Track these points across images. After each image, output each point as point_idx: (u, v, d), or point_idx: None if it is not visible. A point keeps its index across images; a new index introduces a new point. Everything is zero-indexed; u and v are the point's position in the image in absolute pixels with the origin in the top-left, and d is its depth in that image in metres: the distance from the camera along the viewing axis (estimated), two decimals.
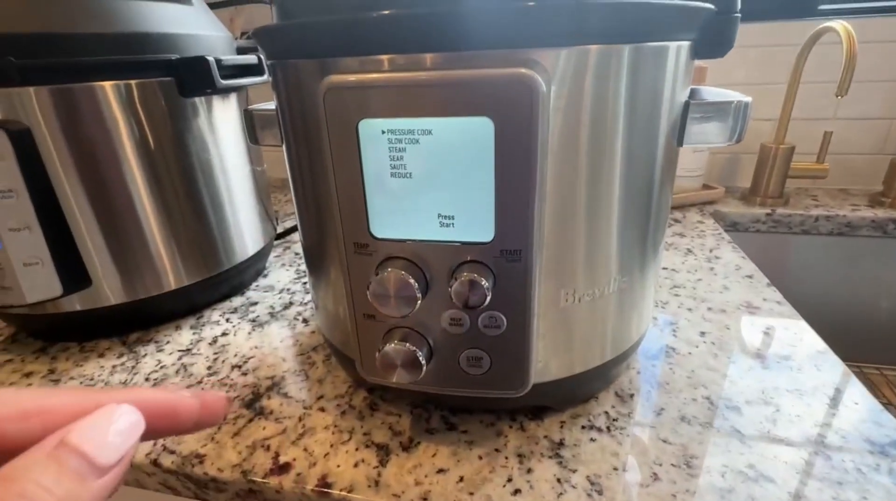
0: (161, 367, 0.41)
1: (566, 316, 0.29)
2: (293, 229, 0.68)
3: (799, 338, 0.41)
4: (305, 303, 0.50)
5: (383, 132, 0.23)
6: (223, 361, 0.41)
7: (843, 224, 0.71)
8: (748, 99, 0.28)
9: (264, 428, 0.33)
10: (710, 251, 0.59)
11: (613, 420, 0.33)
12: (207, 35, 0.45)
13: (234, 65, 0.44)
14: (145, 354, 0.43)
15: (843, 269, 0.76)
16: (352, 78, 0.22)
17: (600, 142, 0.25)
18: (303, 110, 0.28)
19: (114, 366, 0.41)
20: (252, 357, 0.42)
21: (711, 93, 0.30)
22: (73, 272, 0.40)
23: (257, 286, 0.55)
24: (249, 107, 0.35)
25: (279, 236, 0.68)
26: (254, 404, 0.36)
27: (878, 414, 0.32)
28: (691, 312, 0.46)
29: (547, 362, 0.30)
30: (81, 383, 0.39)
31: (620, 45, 0.23)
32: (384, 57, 0.23)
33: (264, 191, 0.56)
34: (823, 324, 0.78)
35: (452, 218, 0.24)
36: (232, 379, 0.39)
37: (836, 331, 0.78)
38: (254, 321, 0.47)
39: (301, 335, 0.45)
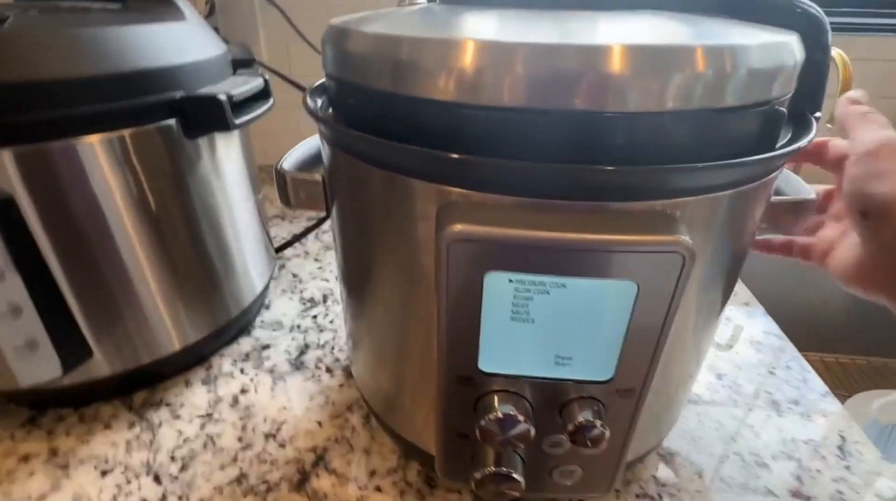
0: (185, 441, 0.38)
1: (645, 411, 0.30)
2: (286, 245, 0.63)
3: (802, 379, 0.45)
4: (322, 346, 0.48)
5: (511, 281, 0.21)
6: (253, 429, 0.39)
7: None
8: (812, 196, 0.29)
9: None
10: None
11: (662, 485, 0.35)
12: (208, 58, 0.38)
13: (245, 98, 0.38)
14: (160, 422, 0.39)
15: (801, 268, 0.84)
16: (483, 230, 0.20)
17: (712, 276, 0.25)
18: (396, 225, 0.25)
19: (128, 442, 0.38)
20: (284, 421, 0.40)
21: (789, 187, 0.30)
22: (73, 348, 0.35)
23: (262, 322, 0.51)
24: (283, 168, 0.30)
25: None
26: (304, 486, 0.35)
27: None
28: None
29: None
30: (96, 468, 0.36)
31: (745, 188, 0.22)
32: (512, 199, 0.20)
33: (264, 217, 0.51)
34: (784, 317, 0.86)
35: (570, 358, 0.23)
36: (270, 454, 0.37)
37: (794, 323, 0.87)
38: (272, 372, 0.45)
39: (329, 390, 0.43)
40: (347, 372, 0.45)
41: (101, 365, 0.38)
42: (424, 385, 0.29)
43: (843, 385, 0.90)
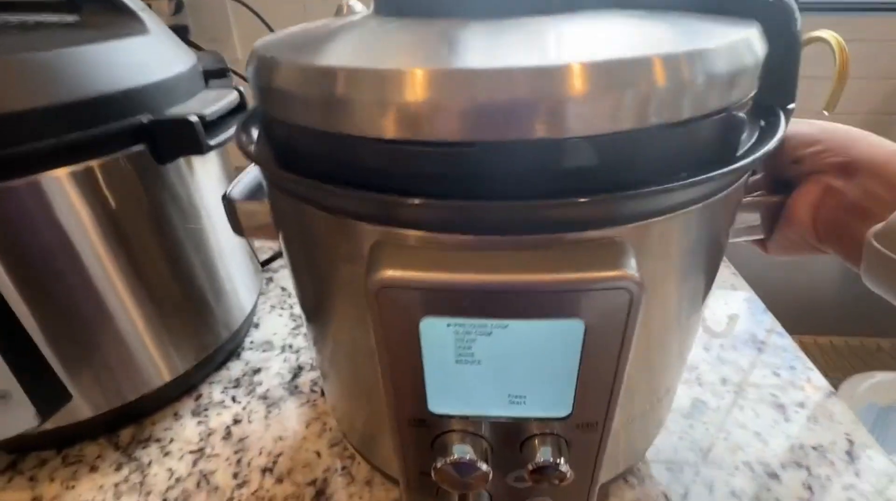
0: (177, 480, 0.36)
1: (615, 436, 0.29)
2: (272, 258, 0.61)
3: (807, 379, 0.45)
4: (315, 367, 0.46)
5: (449, 325, 0.19)
6: (248, 463, 0.37)
7: None
8: None
9: None
10: None
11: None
12: (176, 74, 0.35)
13: (219, 116, 0.35)
14: (149, 461, 0.38)
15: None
16: (413, 275, 0.18)
17: (682, 292, 0.23)
18: (338, 262, 0.23)
19: (116, 486, 0.36)
20: (280, 453, 0.38)
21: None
22: (49, 394, 0.33)
23: (252, 343, 0.49)
24: (231, 196, 0.28)
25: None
26: None
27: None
28: (707, 351, 0.48)
29: None
30: None
31: (712, 199, 0.21)
32: (449, 237, 0.19)
33: None
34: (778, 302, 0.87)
35: (524, 397, 0.22)
36: (268, 491, 0.35)
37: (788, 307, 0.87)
38: (265, 398, 0.43)
39: (326, 415, 0.41)
40: None
41: (82, 408, 0.36)
42: (384, 420, 0.28)
43: (837, 366, 0.91)
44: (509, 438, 0.23)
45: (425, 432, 0.23)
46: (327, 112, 0.19)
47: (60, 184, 0.29)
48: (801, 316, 0.88)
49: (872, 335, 0.92)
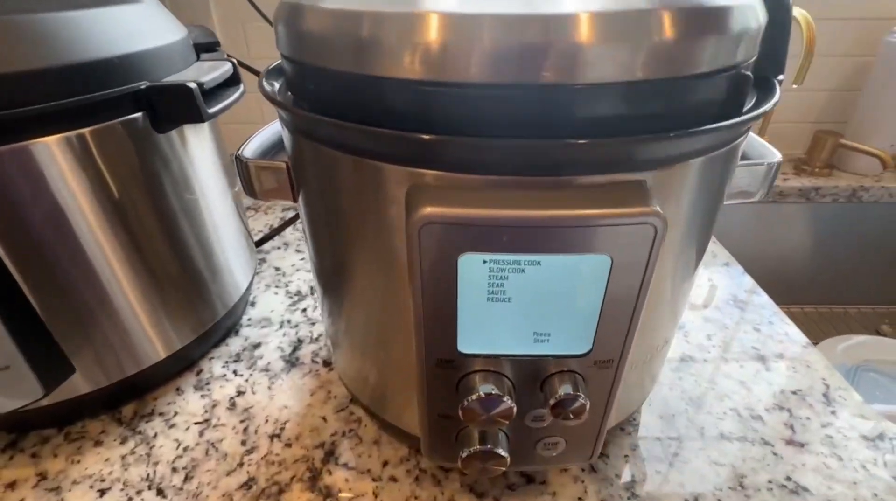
0: (185, 450, 0.36)
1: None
2: (265, 239, 0.60)
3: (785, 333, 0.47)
4: (316, 339, 0.47)
5: (485, 262, 0.21)
6: (256, 431, 0.38)
7: (776, 192, 0.81)
8: (778, 158, 0.29)
9: None
10: None
11: (667, 446, 0.36)
12: (170, 43, 0.35)
13: (216, 85, 0.35)
14: (154, 433, 0.38)
15: (769, 230, 0.88)
16: (454, 211, 0.19)
17: (684, 243, 0.25)
18: (366, 210, 0.24)
19: (123, 457, 0.36)
20: (287, 420, 0.39)
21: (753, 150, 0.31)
22: (52, 366, 0.33)
23: (250, 320, 0.49)
24: (244, 156, 0.29)
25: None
26: (316, 483, 0.34)
27: (862, 408, 0.39)
28: (692, 312, 0.50)
29: None
30: (92, 487, 0.34)
31: (714, 154, 0.23)
32: (483, 178, 0.20)
33: (242, 208, 0.49)
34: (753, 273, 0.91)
35: (548, 334, 0.23)
36: (278, 455, 0.36)
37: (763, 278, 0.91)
38: (267, 371, 0.43)
39: (330, 383, 0.42)
40: None
41: (82, 382, 0.35)
42: (406, 370, 0.29)
43: (809, 332, 0.95)
44: (530, 377, 0.24)
45: (451, 373, 0.24)
46: (358, 55, 0.20)
47: (51, 151, 0.29)
48: (773, 287, 0.92)
49: (839, 303, 0.97)
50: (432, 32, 0.18)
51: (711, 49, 0.20)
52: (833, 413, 0.39)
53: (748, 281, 0.55)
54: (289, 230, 0.65)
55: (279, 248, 0.61)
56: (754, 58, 0.23)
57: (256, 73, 0.55)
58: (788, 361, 0.44)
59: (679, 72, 0.19)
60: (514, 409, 0.24)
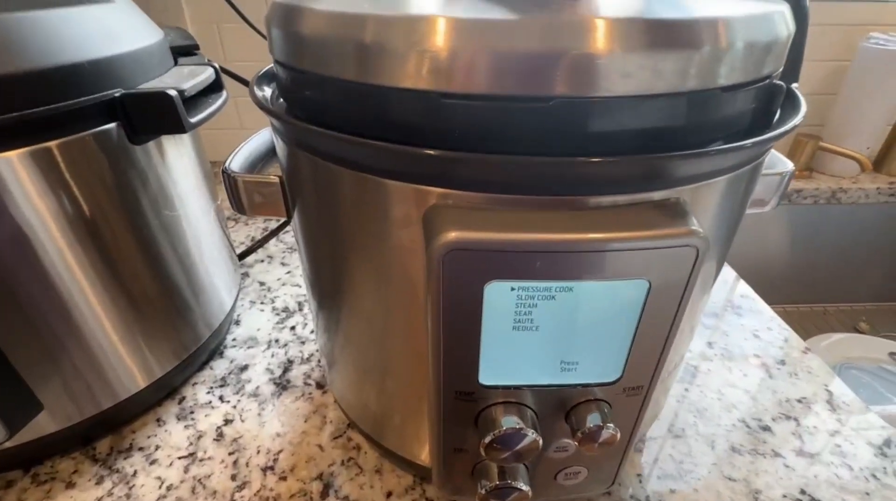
0: (169, 488, 0.33)
1: None
2: (248, 252, 0.57)
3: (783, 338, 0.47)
4: (307, 359, 0.44)
5: (513, 289, 0.19)
6: (246, 463, 0.35)
7: None
8: (791, 167, 0.29)
9: None
10: None
11: (679, 462, 0.35)
12: (146, 47, 0.32)
13: (198, 93, 0.33)
14: (134, 471, 0.35)
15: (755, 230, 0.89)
16: (482, 236, 0.17)
17: (708, 263, 0.24)
18: (371, 231, 0.22)
19: (99, 500, 0.33)
20: (280, 450, 0.36)
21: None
22: (17, 404, 0.29)
23: (235, 340, 0.46)
24: (231, 170, 0.26)
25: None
26: None
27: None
28: None
29: None
30: None
31: (745, 169, 0.21)
32: (509, 198, 0.18)
33: (224, 223, 0.46)
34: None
35: (577, 363, 0.22)
36: (272, 490, 0.33)
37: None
38: (256, 395, 0.40)
39: (325, 407, 0.39)
40: None
41: (51, 420, 0.32)
42: (413, 398, 0.27)
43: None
44: (555, 407, 0.23)
45: (470, 406, 0.22)
46: (362, 62, 0.18)
47: (13, 166, 0.26)
48: (755, 287, 0.94)
49: (819, 301, 0.99)
50: (451, 38, 0.17)
51: (743, 60, 0.19)
52: (839, 420, 0.39)
53: (742, 285, 0.55)
54: (272, 242, 0.62)
55: (263, 261, 0.58)
56: (781, 68, 0.22)
57: (238, 78, 0.52)
58: (790, 368, 0.44)
59: (716, 83, 0.18)
60: (540, 442, 0.22)
